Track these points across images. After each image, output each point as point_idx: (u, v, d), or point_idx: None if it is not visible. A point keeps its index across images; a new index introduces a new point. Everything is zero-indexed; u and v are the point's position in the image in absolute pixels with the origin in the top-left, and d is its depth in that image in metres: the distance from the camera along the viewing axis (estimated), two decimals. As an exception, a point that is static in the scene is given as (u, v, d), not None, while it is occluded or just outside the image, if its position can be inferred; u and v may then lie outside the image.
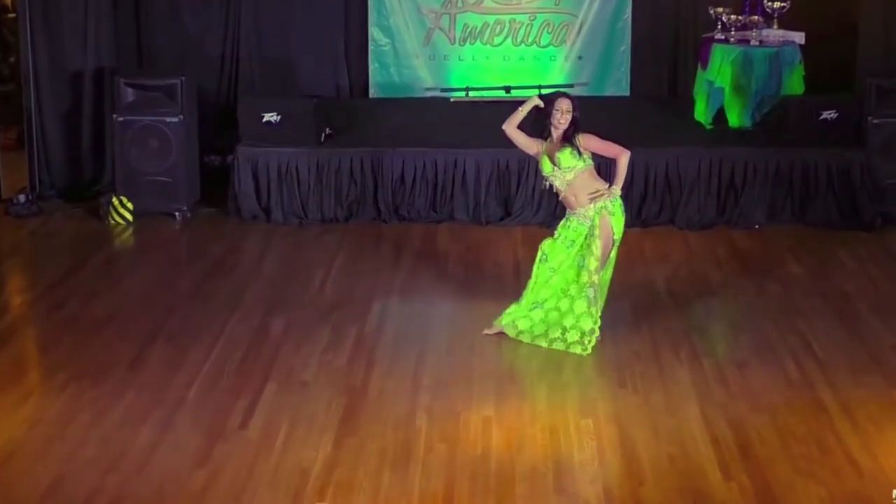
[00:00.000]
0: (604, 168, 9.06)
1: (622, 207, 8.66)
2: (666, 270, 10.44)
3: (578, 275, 8.66)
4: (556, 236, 8.75)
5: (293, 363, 8.46)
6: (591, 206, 8.55)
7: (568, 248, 8.67)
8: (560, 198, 8.77)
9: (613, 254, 8.75)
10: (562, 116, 8.53)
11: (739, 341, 8.96)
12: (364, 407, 7.76)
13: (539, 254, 8.76)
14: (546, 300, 8.78)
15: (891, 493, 6.64)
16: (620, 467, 6.98)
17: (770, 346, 8.77)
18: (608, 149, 8.67)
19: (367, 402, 7.84)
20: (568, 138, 8.54)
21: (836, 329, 9.08)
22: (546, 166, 8.63)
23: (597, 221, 8.55)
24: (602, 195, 8.52)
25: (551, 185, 8.72)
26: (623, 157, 8.59)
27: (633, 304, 9.52)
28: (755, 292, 9.94)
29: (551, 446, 7.24)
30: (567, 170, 8.55)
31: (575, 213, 8.64)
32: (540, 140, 8.68)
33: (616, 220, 8.59)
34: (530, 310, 8.80)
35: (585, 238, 8.60)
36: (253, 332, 9.04)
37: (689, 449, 7.17)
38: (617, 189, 8.56)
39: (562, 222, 8.77)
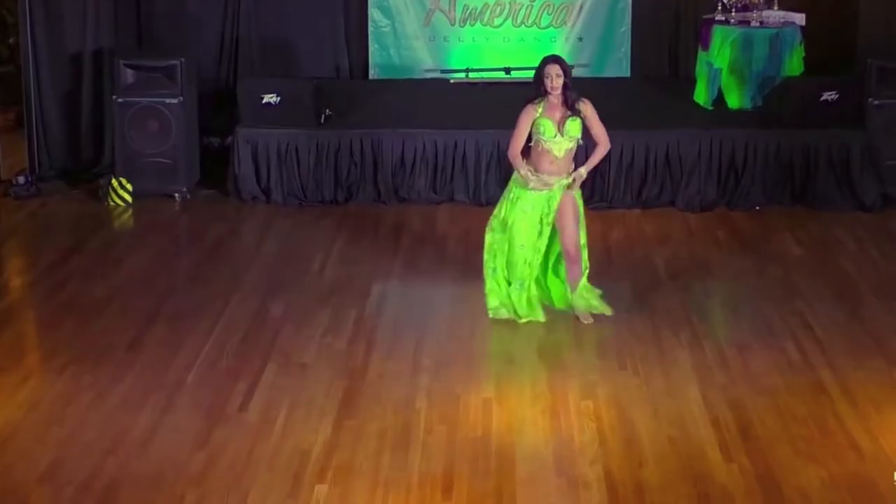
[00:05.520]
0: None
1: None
2: (666, 252, 10.43)
3: (550, 246, 8.73)
4: (511, 198, 8.71)
5: (293, 346, 8.46)
6: (558, 179, 8.59)
7: (529, 213, 8.67)
8: (539, 158, 8.62)
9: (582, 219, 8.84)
10: (553, 81, 8.50)
11: (740, 323, 8.95)
12: (364, 389, 7.76)
13: (496, 229, 8.79)
14: (525, 278, 8.76)
15: (891, 474, 6.64)
16: (621, 449, 6.98)
17: (770, 327, 8.77)
18: (599, 130, 8.71)
19: (366, 384, 7.84)
20: (570, 105, 8.54)
21: (836, 310, 9.08)
22: (549, 130, 8.52)
23: (558, 195, 8.60)
24: (575, 180, 8.65)
25: (538, 144, 8.62)
26: (605, 149, 8.74)
27: (634, 285, 9.52)
28: (755, 274, 9.93)
29: (551, 428, 7.25)
30: (572, 139, 8.56)
31: (538, 175, 8.61)
32: (531, 106, 8.62)
33: (577, 196, 8.77)
34: (514, 290, 8.79)
35: (543, 209, 8.63)
36: (252, 314, 9.03)
37: (689, 431, 7.17)
38: (584, 172, 8.68)
39: (514, 185, 8.73)
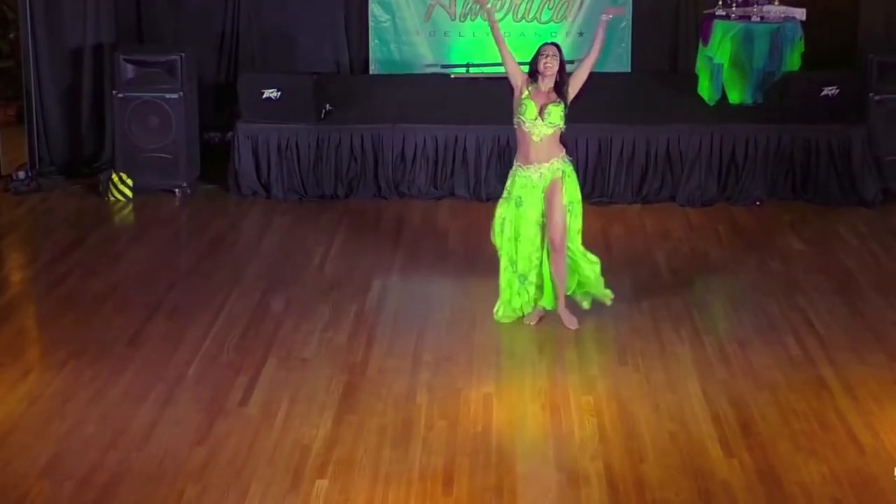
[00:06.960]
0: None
1: (575, 174, 8.68)
2: (667, 247, 10.42)
3: (543, 237, 8.59)
4: (507, 196, 8.64)
5: (293, 340, 8.46)
6: (548, 164, 8.51)
7: (517, 207, 8.58)
8: (522, 144, 8.59)
9: (579, 223, 8.69)
10: (547, 60, 8.47)
11: (740, 318, 8.95)
12: (364, 384, 7.75)
13: (502, 228, 8.65)
14: (528, 273, 8.68)
15: (892, 469, 6.64)
16: (621, 444, 6.97)
17: (771, 323, 8.76)
18: (589, 59, 8.70)
19: (367, 379, 7.84)
20: (560, 92, 8.49)
21: (837, 306, 9.07)
22: (530, 112, 8.47)
23: (548, 182, 8.52)
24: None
25: (519, 126, 8.58)
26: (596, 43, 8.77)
27: (634, 281, 9.51)
28: (756, 269, 9.92)
29: (552, 423, 7.24)
30: (551, 125, 8.49)
31: (527, 168, 8.55)
32: (526, 77, 8.60)
33: (569, 183, 8.56)
34: (520, 285, 8.71)
35: (538, 196, 8.55)
36: (253, 308, 9.02)
37: (689, 426, 7.17)
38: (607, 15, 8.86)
39: (510, 180, 8.66)
